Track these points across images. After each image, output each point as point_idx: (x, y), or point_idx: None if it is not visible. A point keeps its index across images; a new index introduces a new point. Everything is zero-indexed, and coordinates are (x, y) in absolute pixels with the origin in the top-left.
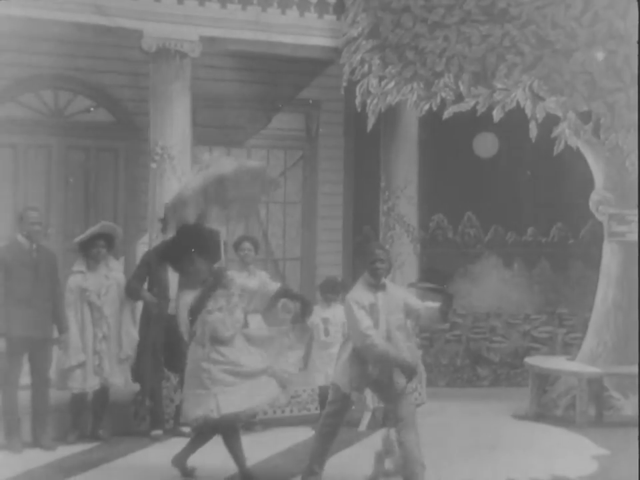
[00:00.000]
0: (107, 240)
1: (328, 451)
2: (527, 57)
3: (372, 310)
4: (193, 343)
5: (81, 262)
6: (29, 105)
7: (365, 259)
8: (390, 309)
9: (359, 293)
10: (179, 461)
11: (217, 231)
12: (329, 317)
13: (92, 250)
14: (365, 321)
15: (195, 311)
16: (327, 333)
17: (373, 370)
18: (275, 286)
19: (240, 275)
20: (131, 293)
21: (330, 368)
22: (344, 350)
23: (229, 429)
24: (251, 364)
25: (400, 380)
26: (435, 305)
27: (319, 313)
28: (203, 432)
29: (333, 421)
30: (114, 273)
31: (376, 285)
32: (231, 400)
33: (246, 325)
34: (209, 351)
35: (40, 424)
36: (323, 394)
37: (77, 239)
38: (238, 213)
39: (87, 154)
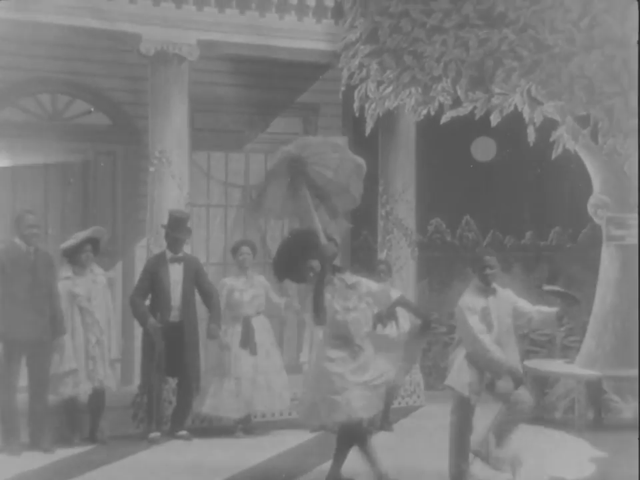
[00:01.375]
0: (93, 244)
1: (468, 450)
2: (525, 61)
3: (484, 314)
4: (320, 343)
5: (67, 268)
6: (26, 109)
7: (474, 266)
8: (500, 313)
9: (471, 299)
10: (334, 477)
11: (310, 229)
12: None
13: (80, 255)
14: (477, 326)
15: (318, 302)
16: None
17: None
18: (395, 294)
19: (238, 279)
20: (137, 316)
21: None
22: (457, 354)
23: (360, 433)
24: (377, 371)
25: (507, 385)
26: (550, 309)
27: None
28: (344, 441)
29: (464, 426)
30: (100, 277)
31: (486, 290)
32: (362, 405)
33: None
34: (339, 352)
35: (38, 426)
36: None
37: (65, 245)
38: (340, 204)
39: (85, 158)
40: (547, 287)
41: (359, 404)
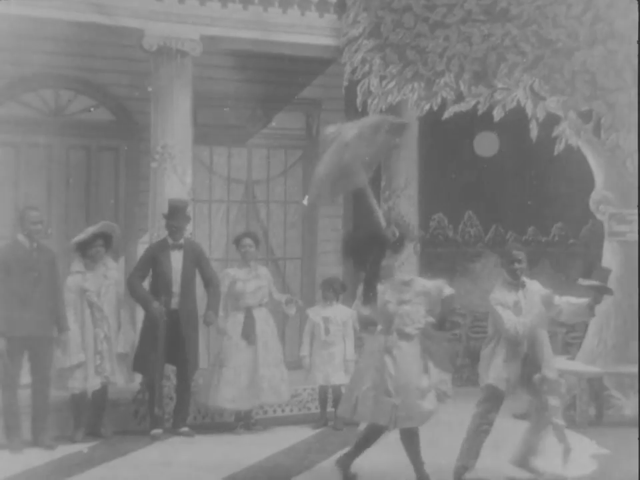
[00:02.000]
0: (104, 239)
1: (481, 448)
2: (528, 57)
3: (516, 308)
4: (370, 336)
5: (78, 262)
6: (29, 104)
7: (503, 260)
8: (531, 305)
9: (502, 294)
10: (344, 463)
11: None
12: (330, 316)
13: (90, 250)
14: (511, 319)
15: (371, 282)
16: (327, 332)
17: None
18: (449, 291)
19: (241, 269)
20: (139, 299)
21: (330, 367)
22: (493, 351)
23: (409, 434)
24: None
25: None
26: (580, 300)
27: (320, 312)
28: (372, 434)
29: (487, 420)
30: (112, 272)
31: (516, 284)
32: (409, 415)
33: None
34: (391, 345)
35: (40, 423)
36: (322, 393)
37: (76, 239)
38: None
39: (87, 153)
40: (583, 282)
41: (404, 413)
